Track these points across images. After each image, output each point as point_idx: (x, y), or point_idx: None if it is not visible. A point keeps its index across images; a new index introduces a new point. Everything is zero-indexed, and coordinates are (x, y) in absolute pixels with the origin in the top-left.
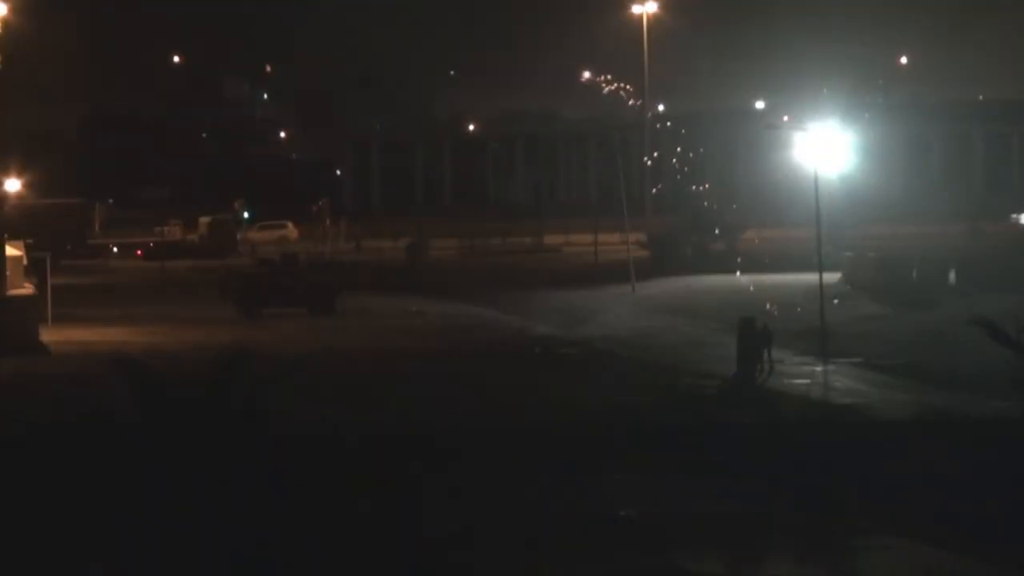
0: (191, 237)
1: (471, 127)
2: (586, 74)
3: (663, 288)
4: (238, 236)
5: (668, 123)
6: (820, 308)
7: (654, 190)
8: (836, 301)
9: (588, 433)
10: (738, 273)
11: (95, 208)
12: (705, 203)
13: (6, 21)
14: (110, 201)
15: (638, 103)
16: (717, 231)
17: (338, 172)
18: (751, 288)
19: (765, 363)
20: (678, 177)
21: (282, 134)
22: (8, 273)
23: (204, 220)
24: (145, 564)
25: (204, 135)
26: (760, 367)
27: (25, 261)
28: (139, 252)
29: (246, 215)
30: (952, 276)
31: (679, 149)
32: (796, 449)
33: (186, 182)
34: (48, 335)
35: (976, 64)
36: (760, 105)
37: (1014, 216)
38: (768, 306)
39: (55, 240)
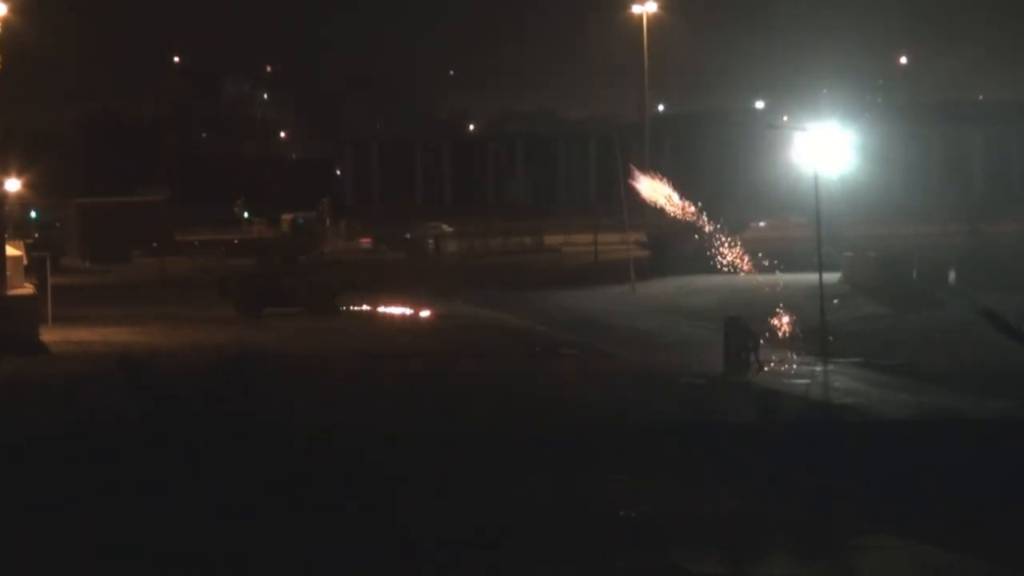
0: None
1: (471, 127)
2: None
3: (663, 288)
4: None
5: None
6: (820, 308)
7: None
8: (836, 301)
9: (588, 433)
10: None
11: (170, 207)
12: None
13: (6, 21)
14: None
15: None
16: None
17: (338, 172)
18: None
19: (751, 362)
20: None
21: (282, 134)
22: (8, 273)
23: (286, 218)
24: (143, 564)
25: (204, 135)
26: (749, 366)
27: (25, 261)
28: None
29: (246, 215)
30: (952, 276)
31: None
32: (796, 449)
33: (186, 182)
34: (48, 335)
35: (976, 64)
36: (760, 105)
37: (753, 224)
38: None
39: (139, 238)
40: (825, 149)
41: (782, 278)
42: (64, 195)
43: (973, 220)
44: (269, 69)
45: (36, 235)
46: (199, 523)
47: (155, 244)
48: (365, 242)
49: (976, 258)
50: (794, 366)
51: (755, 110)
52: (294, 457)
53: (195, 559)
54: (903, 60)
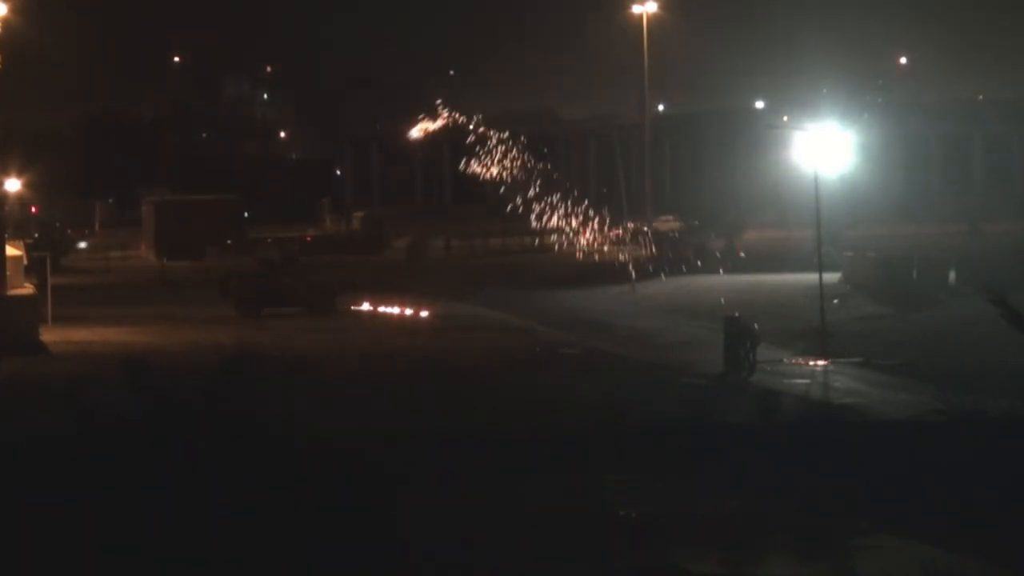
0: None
1: (471, 127)
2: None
3: (663, 288)
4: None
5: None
6: (820, 308)
7: None
8: (836, 301)
9: (588, 433)
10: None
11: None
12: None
13: (6, 21)
14: (110, 201)
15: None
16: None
17: (338, 172)
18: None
19: (748, 361)
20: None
21: (282, 134)
22: (8, 273)
23: (358, 215)
24: (143, 564)
25: (204, 135)
26: (746, 365)
27: (25, 261)
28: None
29: (245, 215)
30: (952, 276)
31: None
32: (796, 449)
33: (186, 181)
34: (48, 335)
35: (976, 64)
36: (760, 105)
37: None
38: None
39: (213, 235)
40: (825, 149)
41: (782, 278)
42: (63, 195)
43: (973, 220)
44: (269, 69)
45: (36, 235)
46: (199, 523)
47: (229, 241)
48: (614, 234)
49: (976, 258)
50: (794, 366)
51: (755, 110)
52: (294, 457)
53: (195, 559)
54: (903, 60)
